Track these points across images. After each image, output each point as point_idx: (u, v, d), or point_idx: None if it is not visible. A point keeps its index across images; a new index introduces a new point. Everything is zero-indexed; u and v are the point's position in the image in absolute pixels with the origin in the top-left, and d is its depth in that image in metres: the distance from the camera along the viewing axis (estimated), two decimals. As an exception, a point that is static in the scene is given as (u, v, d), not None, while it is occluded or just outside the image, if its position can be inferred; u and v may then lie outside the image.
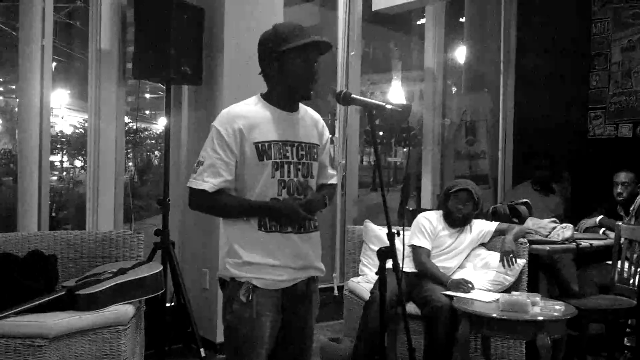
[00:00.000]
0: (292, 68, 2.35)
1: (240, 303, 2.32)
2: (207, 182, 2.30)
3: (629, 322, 4.31)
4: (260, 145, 2.33)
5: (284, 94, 2.41)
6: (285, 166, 2.36)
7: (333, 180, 2.63)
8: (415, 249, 4.20)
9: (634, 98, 5.72)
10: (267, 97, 2.43)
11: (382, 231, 4.52)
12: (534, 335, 3.36)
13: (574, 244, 4.47)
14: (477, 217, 4.42)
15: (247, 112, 2.37)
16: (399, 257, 2.42)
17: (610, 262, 4.47)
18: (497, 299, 3.60)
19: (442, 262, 4.19)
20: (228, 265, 2.37)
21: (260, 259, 2.33)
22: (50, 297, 3.40)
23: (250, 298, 2.32)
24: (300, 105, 2.50)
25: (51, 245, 3.91)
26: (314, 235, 2.47)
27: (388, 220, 2.39)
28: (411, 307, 3.94)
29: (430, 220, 4.29)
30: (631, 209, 4.80)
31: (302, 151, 2.42)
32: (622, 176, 5.07)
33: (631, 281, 4.21)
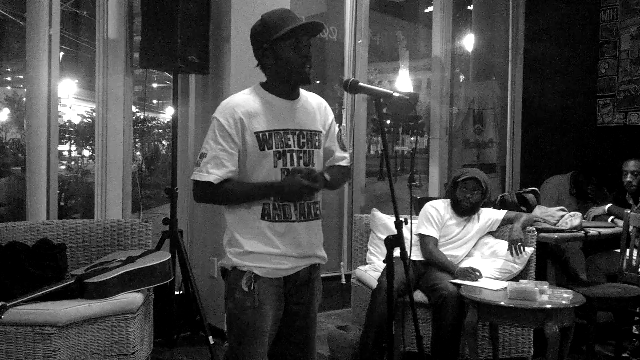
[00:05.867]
0: (284, 55, 2.34)
1: (242, 292, 2.32)
2: (212, 174, 2.29)
3: (637, 310, 4.31)
4: (261, 134, 2.32)
5: (281, 82, 2.40)
6: (287, 154, 2.35)
7: (343, 163, 2.57)
8: (422, 237, 4.20)
9: (643, 86, 5.69)
10: (266, 86, 2.42)
11: (389, 220, 4.53)
12: (542, 324, 3.36)
13: (582, 232, 4.46)
14: (485, 206, 4.41)
15: (247, 101, 2.37)
16: (407, 245, 2.42)
17: (618, 250, 4.47)
18: (505, 287, 3.60)
19: (450, 251, 4.19)
20: (229, 255, 2.37)
21: (261, 248, 2.33)
22: (60, 286, 3.42)
23: (252, 287, 2.32)
24: (301, 91, 2.49)
25: (60, 234, 3.94)
26: (316, 224, 2.45)
27: (396, 208, 2.39)
28: (419, 296, 3.94)
29: (437, 209, 4.29)
30: (640, 197, 4.80)
31: (304, 139, 2.40)
32: (631, 164, 5.05)
33: (639, 269, 4.20)
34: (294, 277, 2.42)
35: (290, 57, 2.34)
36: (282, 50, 2.34)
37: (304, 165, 2.38)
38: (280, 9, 2.45)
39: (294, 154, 2.37)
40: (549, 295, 3.48)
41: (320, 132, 2.48)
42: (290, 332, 2.47)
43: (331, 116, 2.57)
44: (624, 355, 4.23)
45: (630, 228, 4.32)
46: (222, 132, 2.31)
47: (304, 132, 2.41)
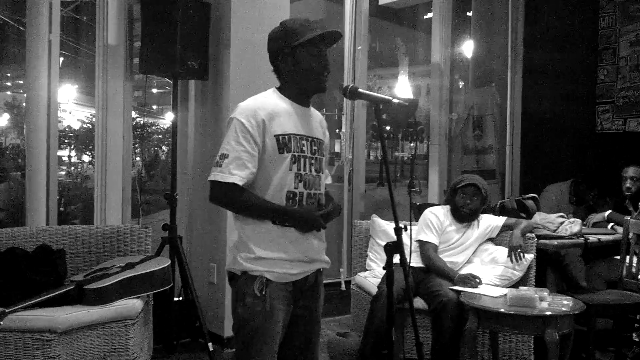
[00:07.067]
0: (305, 62, 2.37)
1: (254, 297, 2.32)
2: (235, 175, 2.27)
3: (637, 317, 4.30)
4: (280, 137, 2.34)
5: (298, 88, 2.43)
6: (302, 160, 2.38)
7: (328, 180, 2.64)
8: (422, 244, 4.20)
9: (643, 92, 5.69)
10: (282, 92, 2.45)
11: (389, 226, 4.52)
12: (541, 331, 3.35)
13: (582, 238, 4.45)
14: (484, 212, 4.41)
15: (267, 104, 2.38)
16: (406, 252, 2.42)
17: (618, 257, 4.46)
18: (505, 294, 3.60)
19: (450, 257, 4.18)
20: (240, 259, 2.35)
21: (273, 254, 2.33)
22: (59, 292, 3.41)
23: (263, 292, 2.31)
24: None
25: (59, 239, 3.93)
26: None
27: (395, 215, 2.39)
28: (418, 302, 3.94)
29: (437, 215, 4.28)
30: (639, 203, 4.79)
31: (315, 146, 2.44)
32: (631, 171, 5.06)
33: (639, 276, 4.19)
34: (302, 282, 2.43)
35: (310, 64, 2.38)
36: (302, 57, 2.37)
37: (315, 173, 2.42)
38: (300, 17, 2.47)
39: (307, 160, 2.40)
40: (549, 302, 3.48)
41: (324, 142, 2.53)
42: (294, 335, 2.47)
43: (327, 133, 2.63)
44: (623, 362, 4.23)
45: (630, 235, 4.32)
46: (244, 132, 2.30)
47: (315, 140, 2.45)
